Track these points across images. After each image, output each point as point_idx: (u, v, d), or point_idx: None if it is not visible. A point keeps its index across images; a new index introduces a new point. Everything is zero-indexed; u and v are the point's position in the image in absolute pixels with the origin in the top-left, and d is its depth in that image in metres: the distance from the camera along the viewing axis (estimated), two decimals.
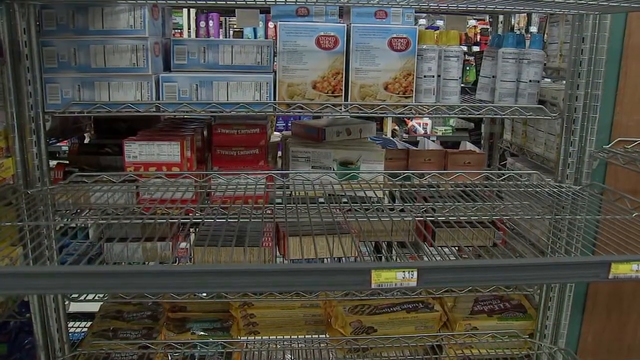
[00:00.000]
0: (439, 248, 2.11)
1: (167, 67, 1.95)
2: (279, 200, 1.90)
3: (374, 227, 2.15)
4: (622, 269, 1.11)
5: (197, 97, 1.81)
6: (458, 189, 1.97)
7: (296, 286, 1.04)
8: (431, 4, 1.71)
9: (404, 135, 5.17)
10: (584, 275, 1.12)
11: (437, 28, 5.27)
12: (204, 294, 2.02)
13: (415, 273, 1.03)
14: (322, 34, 1.76)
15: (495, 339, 2.14)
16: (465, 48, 5.79)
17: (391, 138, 2.95)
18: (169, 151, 1.87)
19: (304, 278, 1.03)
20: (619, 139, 1.98)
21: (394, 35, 1.78)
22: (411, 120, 5.18)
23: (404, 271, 1.02)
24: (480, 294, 2.14)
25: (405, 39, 1.78)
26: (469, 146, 2.53)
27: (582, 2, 1.46)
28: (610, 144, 1.97)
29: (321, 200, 1.87)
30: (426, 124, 5.18)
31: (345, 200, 1.86)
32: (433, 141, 4.16)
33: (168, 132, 2.00)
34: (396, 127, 5.38)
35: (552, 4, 1.63)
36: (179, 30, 6.33)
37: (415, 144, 2.75)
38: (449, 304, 2.24)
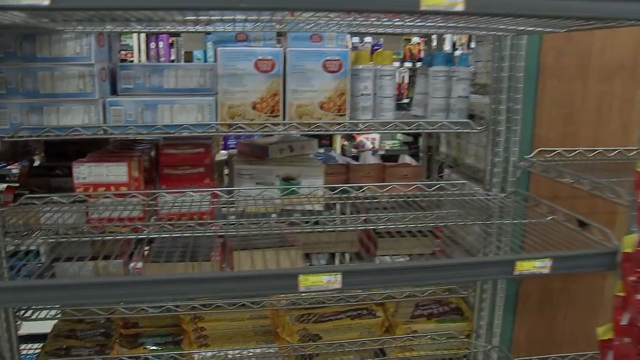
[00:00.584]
0: (387, 257, 2.24)
1: (115, 91, 2.03)
2: (223, 216, 2.00)
3: (318, 239, 2.27)
4: (525, 266, 1.24)
5: (143, 120, 1.89)
6: (391, 200, 2.10)
7: (233, 291, 1.14)
8: (360, 29, 1.84)
9: (353, 150, 5.32)
10: (493, 272, 1.25)
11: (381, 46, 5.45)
12: (155, 311, 2.09)
13: (340, 276, 1.14)
14: (260, 57, 1.87)
15: (434, 340, 2.26)
16: (410, 64, 5.99)
17: (333, 154, 3.08)
18: (117, 172, 1.95)
19: (239, 284, 1.13)
20: (540, 149, 2.13)
21: (328, 58, 1.90)
22: (359, 136, 5.33)
23: (329, 275, 1.14)
24: (420, 298, 2.27)
25: (338, 61, 1.91)
26: (408, 159, 2.67)
27: (482, 25, 1.61)
28: (531, 154, 2.12)
29: (265, 214, 1.97)
30: (374, 139, 5.34)
31: (288, 214, 1.97)
32: (373, 155, 4.32)
33: (116, 154, 2.08)
34: (345, 142, 5.54)
35: (463, 28, 1.78)
36: (130, 51, 6.37)
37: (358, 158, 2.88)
38: (391, 309, 2.35)
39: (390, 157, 4.68)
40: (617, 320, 1.41)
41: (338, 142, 5.43)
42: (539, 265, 1.25)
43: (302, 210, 2.09)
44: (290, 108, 1.91)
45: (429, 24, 1.67)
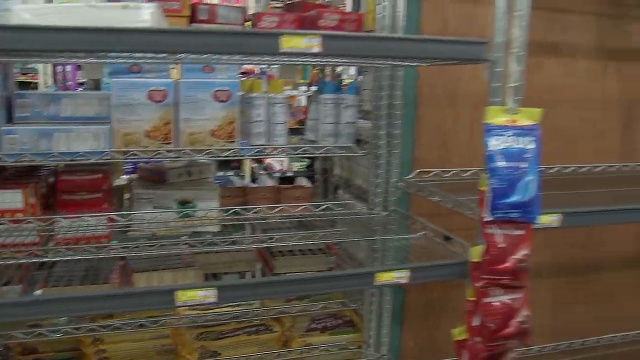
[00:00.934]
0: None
1: (12, 119, 2.07)
2: (119, 240, 2.07)
3: (218, 260, 2.37)
4: (385, 277, 1.40)
5: (38, 148, 1.94)
6: (289, 220, 2.24)
7: (113, 309, 1.24)
8: (246, 62, 1.98)
9: (262, 172, 5.45)
10: (356, 283, 1.40)
11: None
12: (54, 335, 2.12)
13: (215, 291, 1.26)
14: (152, 88, 1.96)
15: (327, 352, 2.40)
16: (314, 88, 6.18)
17: (233, 177, 3.21)
18: (12, 199, 1.99)
19: (119, 301, 1.23)
20: (419, 170, 2.33)
21: (218, 89, 2.01)
22: (267, 158, 5.47)
23: (204, 290, 1.25)
24: (315, 312, 2.40)
25: (227, 91, 2.03)
26: (304, 182, 2.82)
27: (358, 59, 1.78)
28: (411, 175, 2.31)
29: (174, 237, 2.07)
30: (282, 161, 5.49)
31: (196, 236, 2.08)
32: (271, 178, 4.48)
33: (12, 181, 2.11)
34: (254, 165, 5.66)
35: (340, 62, 1.94)
36: (36, 74, 6.27)
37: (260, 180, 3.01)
38: (287, 324, 2.48)
39: (293, 179, 4.86)
40: (469, 322, 1.59)
41: (247, 165, 5.55)
42: (398, 276, 1.41)
43: (210, 232, 2.19)
44: (182, 135, 2.01)
45: (306, 59, 1.83)
